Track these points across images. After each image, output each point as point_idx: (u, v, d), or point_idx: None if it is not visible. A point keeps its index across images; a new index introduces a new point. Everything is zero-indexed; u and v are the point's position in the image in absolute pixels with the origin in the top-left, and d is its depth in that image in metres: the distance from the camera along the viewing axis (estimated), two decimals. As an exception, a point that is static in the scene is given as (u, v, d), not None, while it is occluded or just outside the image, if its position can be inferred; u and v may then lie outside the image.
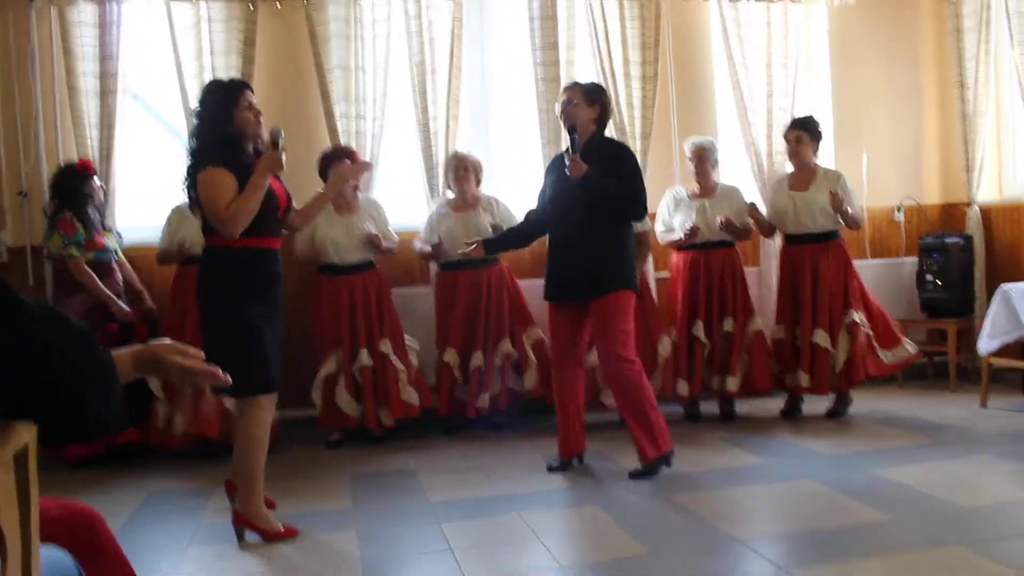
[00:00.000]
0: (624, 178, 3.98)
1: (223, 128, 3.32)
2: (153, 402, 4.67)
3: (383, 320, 4.94)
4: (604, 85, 5.43)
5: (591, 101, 4.07)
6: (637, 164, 4.16)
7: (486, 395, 5.01)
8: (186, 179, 3.38)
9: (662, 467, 4.07)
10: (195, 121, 3.40)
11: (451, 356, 5.01)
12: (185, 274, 4.65)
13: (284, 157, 3.33)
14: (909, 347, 5.16)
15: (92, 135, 4.89)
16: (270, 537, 3.39)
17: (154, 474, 4.51)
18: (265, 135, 3.38)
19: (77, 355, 1.18)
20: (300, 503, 3.87)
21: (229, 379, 1.68)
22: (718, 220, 5.03)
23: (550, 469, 4.21)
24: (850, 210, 4.94)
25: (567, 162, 3.97)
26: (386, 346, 4.88)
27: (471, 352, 5.02)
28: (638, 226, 4.64)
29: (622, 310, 4.01)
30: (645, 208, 4.10)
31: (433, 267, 5.28)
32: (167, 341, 1.60)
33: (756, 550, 3.08)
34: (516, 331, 5.11)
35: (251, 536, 3.41)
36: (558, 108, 4.17)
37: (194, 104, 3.52)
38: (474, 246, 4.36)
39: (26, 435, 1.17)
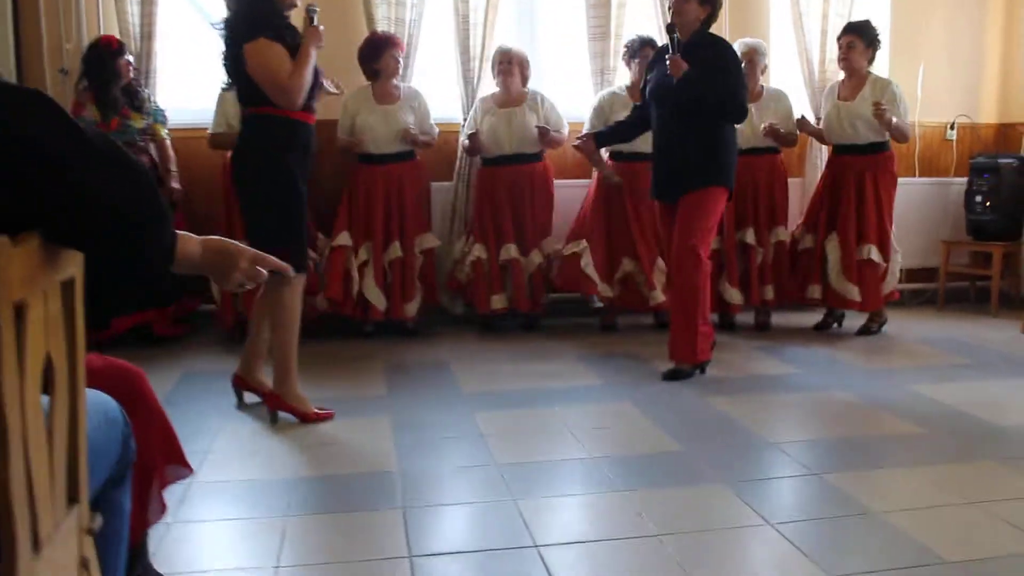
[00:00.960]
0: (724, 77, 3.90)
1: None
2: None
3: (417, 214, 4.89)
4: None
5: (703, 0, 3.96)
6: (739, 62, 4.08)
7: (514, 292, 4.97)
8: (226, 50, 3.30)
9: (695, 372, 4.07)
10: None
11: (480, 251, 4.94)
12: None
13: (322, 31, 3.28)
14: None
15: (133, 11, 4.78)
16: (305, 419, 3.42)
17: (191, 356, 4.56)
18: (300, 4, 3.31)
19: (137, 190, 1.14)
20: (335, 389, 3.90)
21: (290, 269, 1.64)
22: (763, 126, 4.89)
23: (665, 377, 4.08)
24: (894, 120, 4.71)
25: (667, 61, 3.90)
26: (424, 241, 4.87)
27: (504, 245, 4.95)
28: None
29: (707, 207, 3.97)
30: (745, 108, 3.99)
31: (464, 161, 5.19)
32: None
33: (788, 453, 3.06)
34: (542, 233, 5.05)
35: (285, 417, 3.45)
36: (669, 3, 4.08)
37: None
38: (585, 138, 4.36)
39: (74, 266, 1.14)
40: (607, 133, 4.46)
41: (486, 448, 3.12)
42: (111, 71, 4.52)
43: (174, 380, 4.06)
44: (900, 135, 4.81)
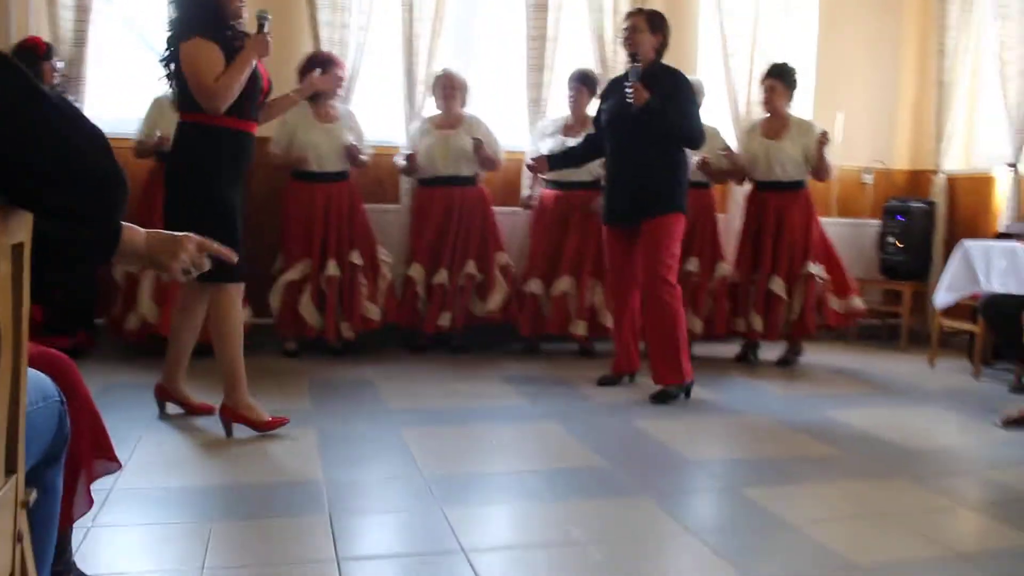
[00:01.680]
0: (683, 106, 4.04)
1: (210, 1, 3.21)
2: (112, 296, 4.62)
3: (354, 231, 4.90)
4: (594, 18, 5.44)
5: (654, 29, 4.10)
6: (693, 92, 4.21)
7: (448, 314, 5.01)
8: (166, 50, 3.28)
9: (680, 395, 4.15)
10: None
11: (416, 271, 4.99)
12: (161, 169, 4.56)
13: (270, 41, 3.26)
14: (858, 302, 5.25)
15: (66, 16, 4.72)
16: (260, 428, 3.36)
17: (109, 369, 4.46)
18: (247, 17, 3.31)
19: (93, 150, 1.15)
20: (260, 403, 3.85)
21: (234, 257, 1.64)
22: (695, 159, 5.06)
23: (600, 382, 4.34)
24: (828, 159, 4.96)
25: (628, 90, 3.99)
26: (356, 257, 4.85)
27: (437, 269, 5.00)
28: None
29: (670, 233, 4.08)
30: (703, 136, 4.17)
31: (406, 183, 5.24)
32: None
33: (708, 469, 3.16)
34: (487, 253, 5.09)
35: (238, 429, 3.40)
36: (622, 35, 4.22)
37: None
38: (537, 161, 4.48)
39: (24, 231, 1.15)
40: (559, 157, 4.56)
41: (412, 460, 3.13)
42: (35, 74, 4.42)
43: (96, 390, 3.95)
44: (826, 171, 5.04)
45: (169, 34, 3.27)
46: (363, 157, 4.89)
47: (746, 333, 5.24)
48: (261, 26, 3.27)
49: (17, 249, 1.13)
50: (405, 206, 5.26)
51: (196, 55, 3.15)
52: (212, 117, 3.21)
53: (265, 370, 4.56)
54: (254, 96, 3.31)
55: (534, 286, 5.09)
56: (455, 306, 5.03)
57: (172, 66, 3.27)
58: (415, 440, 3.37)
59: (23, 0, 4.77)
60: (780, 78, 5.08)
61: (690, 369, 4.16)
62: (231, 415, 3.36)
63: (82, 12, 4.75)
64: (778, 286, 5.07)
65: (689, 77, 5.13)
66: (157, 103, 4.60)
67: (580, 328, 5.04)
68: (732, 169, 5.29)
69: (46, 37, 4.68)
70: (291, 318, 4.83)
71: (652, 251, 4.06)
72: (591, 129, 4.55)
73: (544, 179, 5.08)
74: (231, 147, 3.28)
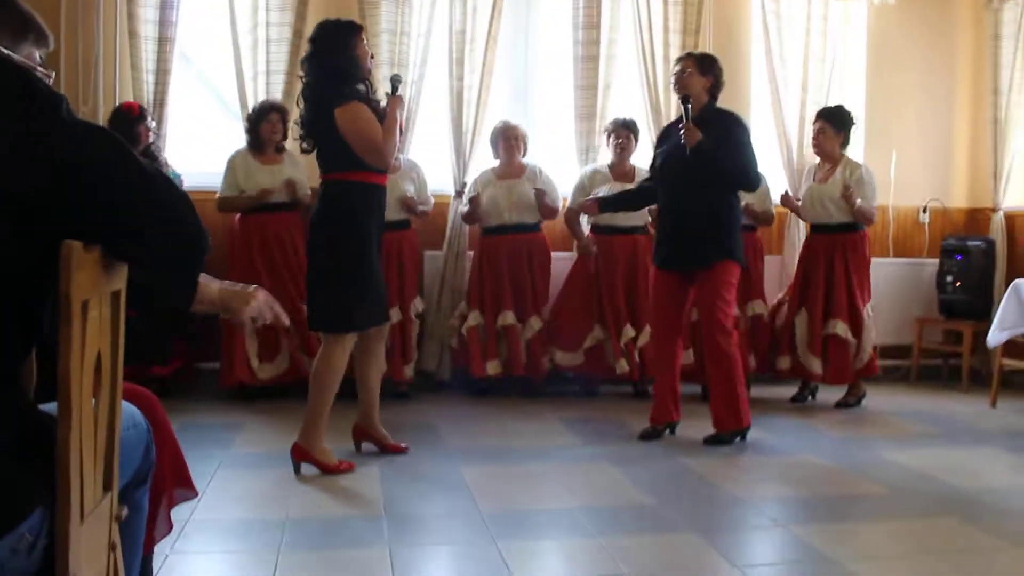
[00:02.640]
0: (736, 147, 4.04)
1: (345, 64, 3.46)
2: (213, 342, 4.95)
3: (413, 280, 5.12)
4: (642, 66, 5.61)
5: (704, 71, 4.14)
6: (748, 135, 4.18)
7: (509, 358, 5.15)
8: (309, 115, 3.51)
9: (736, 439, 4.16)
10: (313, 59, 3.50)
11: (477, 318, 5.14)
12: (253, 222, 4.93)
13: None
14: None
15: (148, 80, 5.08)
16: (327, 470, 3.53)
17: (199, 408, 4.70)
18: (379, 78, 3.62)
19: (183, 211, 1.34)
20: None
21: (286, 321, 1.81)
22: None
23: (642, 436, 4.23)
24: (859, 202, 4.99)
25: (681, 131, 4.04)
26: (418, 306, 5.09)
27: (500, 312, 5.14)
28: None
29: (726, 281, 4.09)
30: (758, 178, 4.16)
31: (456, 228, 5.43)
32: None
33: (756, 507, 3.23)
34: (540, 301, 5.25)
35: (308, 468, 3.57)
36: (672, 78, 4.27)
37: (306, 47, 3.59)
38: (590, 202, 4.54)
39: (121, 280, 1.34)
40: (612, 199, 4.61)
41: (471, 498, 3.26)
42: (131, 135, 4.79)
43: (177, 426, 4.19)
44: (864, 218, 5.08)
45: (308, 100, 3.51)
46: (422, 208, 5.10)
47: (802, 374, 5.25)
48: (395, 87, 3.57)
49: (115, 296, 1.33)
50: (454, 251, 5.44)
51: (359, 119, 3.41)
52: (357, 173, 3.46)
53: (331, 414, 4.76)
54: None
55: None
56: (529, 351, 5.16)
57: (317, 129, 3.50)
58: (473, 477, 3.51)
59: (109, 67, 5.15)
60: (829, 120, 5.16)
61: (748, 415, 4.18)
62: (301, 454, 3.54)
63: (163, 75, 5.11)
64: (840, 328, 5.08)
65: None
66: (241, 158, 4.96)
67: (623, 366, 5.14)
68: (786, 207, 5.40)
69: (131, 99, 5.04)
70: None
71: (709, 299, 4.08)
72: (640, 177, 4.69)
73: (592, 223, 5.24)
74: (374, 199, 3.54)
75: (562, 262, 5.44)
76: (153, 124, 4.95)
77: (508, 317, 5.13)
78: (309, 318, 3.62)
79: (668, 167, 4.21)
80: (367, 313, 3.55)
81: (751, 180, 4.14)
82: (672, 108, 5.67)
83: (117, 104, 5.00)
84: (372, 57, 3.61)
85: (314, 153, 3.59)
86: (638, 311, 5.19)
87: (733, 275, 4.13)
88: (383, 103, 3.58)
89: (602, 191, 4.94)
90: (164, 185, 1.32)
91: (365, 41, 3.56)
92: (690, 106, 4.08)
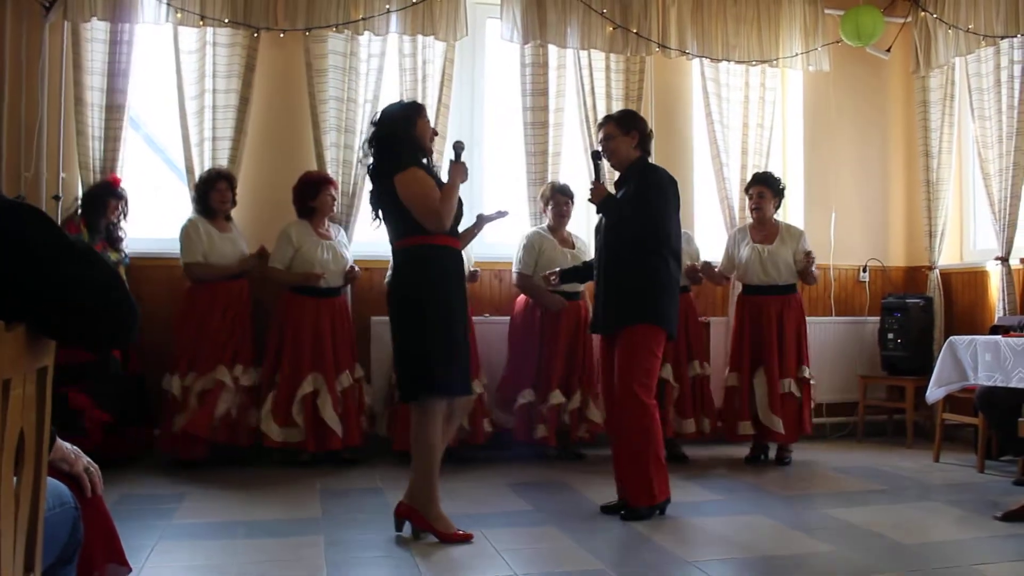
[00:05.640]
0: (641, 207, 3.86)
1: (410, 136, 3.58)
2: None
3: (353, 345, 5.19)
4: (586, 133, 5.72)
5: (626, 130, 4.03)
6: (658, 189, 3.92)
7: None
8: (375, 188, 3.61)
9: (655, 512, 3.95)
10: (378, 132, 3.62)
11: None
12: (209, 289, 4.93)
13: (467, 167, 3.64)
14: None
15: (95, 147, 5.06)
16: (446, 539, 3.51)
17: (127, 479, 4.59)
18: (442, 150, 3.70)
19: (112, 287, 1.34)
20: (269, 511, 3.99)
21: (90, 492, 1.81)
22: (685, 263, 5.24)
23: (604, 510, 4.04)
24: (814, 269, 5.22)
25: (590, 188, 4.01)
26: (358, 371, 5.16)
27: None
28: None
29: (644, 345, 3.86)
30: (663, 239, 3.89)
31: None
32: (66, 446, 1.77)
33: (703, 569, 3.23)
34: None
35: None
36: (598, 145, 4.16)
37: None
38: (553, 275, 4.46)
39: (48, 357, 1.33)
40: (572, 270, 4.56)
41: (416, 568, 3.22)
42: (100, 203, 4.86)
43: (111, 499, 4.09)
44: (812, 279, 5.30)
45: (374, 176, 3.60)
46: (353, 274, 5.18)
47: (766, 436, 5.28)
48: (458, 154, 3.63)
49: (42, 373, 1.32)
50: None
51: (417, 183, 3.49)
52: (429, 239, 3.51)
53: (274, 479, 4.69)
54: (458, 216, 3.64)
55: (527, 396, 5.23)
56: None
57: (383, 199, 3.59)
58: (419, 546, 3.47)
59: (53, 133, 5.13)
60: (767, 184, 5.33)
61: (666, 487, 3.95)
62: (422, 522, 3.55)
63: (112, 142, 5.10)
64: (793, 387, 5.20)
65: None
66: (201, 225, 4.95)
67: (541, 431, 5.16)
68: (709, 279, 5.54)
69: (75, 166, 5.03)
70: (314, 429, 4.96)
71: (624, 363, 3.86)
72: (577, 241, 4.77)
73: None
74: (448, 263, 3.58)
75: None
76: (124, 207, 4.98)
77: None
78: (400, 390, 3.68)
79: (598, 229, 4.16)
80: (454, 377, 3.56)
81: (647, 239, 3.88)
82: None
83: (60, 170, 5.01)
84: (436, 134, 3.76)
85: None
86: (572, 377, 5.24)
87: (653, 340, 3.89)
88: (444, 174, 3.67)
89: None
90: (93, 261, 1.32)
91: (426, 119, 3.68)
92: (600, 163, 4.07)
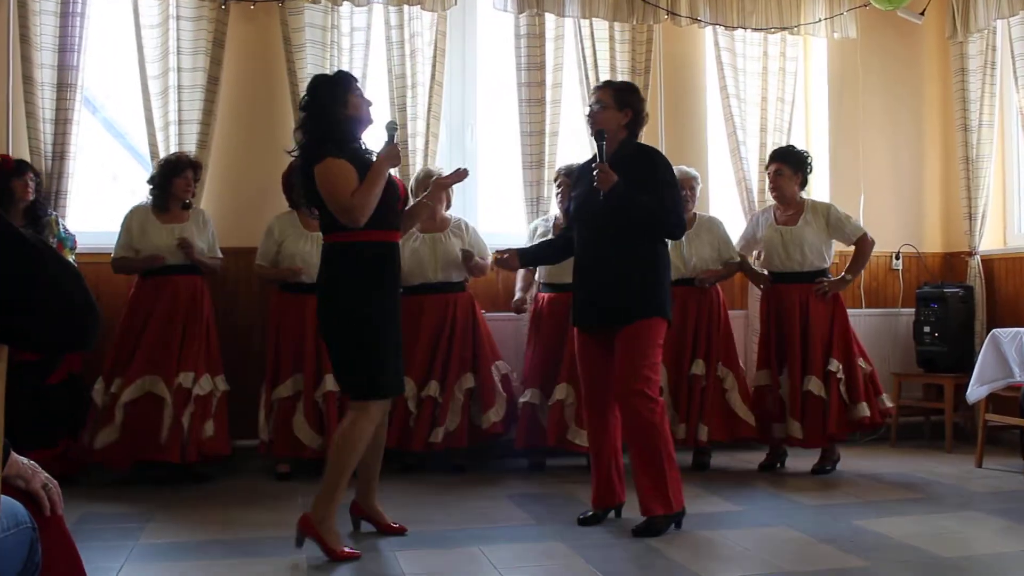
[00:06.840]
0: (657, 189, 3.90)
1: (337, 118, 3.56)
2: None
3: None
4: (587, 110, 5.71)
5: (621, 104, 3.98)
6: (673, 174, 4.08)
7: (440, 429, 5.08)
8: (302, 177, 3.60)
9: (671, 526, 3.93)
10: (304, 115, 3.62)
11: (408, 387, 5.00)
12: (153, 284, 4.87)
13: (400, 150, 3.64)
14: (887, 401, 5.32)
15: (45, 129, 5.06)
16: (332, 555, 3.51)
17: (89, 498, 4.60)
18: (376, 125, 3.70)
19: (68, 284, 1.35)
20: (249, 529, 4.00)
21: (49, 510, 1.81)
22: (696, 280, 5.26)
23: (581, 522, 4.06)
24: (847, 276, 5.25)
25: (595, 172, 3.86)
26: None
27: (427, 382, 5.11)
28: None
29: (651, 340, 3.90)
30: (681, 223, 4.02)
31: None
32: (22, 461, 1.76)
33: (724, 587, 3.24)
34: (482, 363, 5.22)
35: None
36: (586, 112, 4.15)
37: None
38: (509, 255, 4.21)
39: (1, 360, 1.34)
40: (532, 252, 4.48)
41: (408, 586, 3.24)
42: (3, 191, 4.72)
43: (72, 519, 4.10)
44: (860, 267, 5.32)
45: (302, 162, 3.60)
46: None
47: (782, 441, 5.28)
48: (391, 137, 3.62)
49: (-8, 379, 1.32)
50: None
51: (330, 174, 3.48)
52: (354, 234, 3.51)
53: (253, 492, 4.70)
54: (393, 205, 3.63)
55: (532, 396, 5.21)
56: (452, 422, 5.11)
57: (306, 192, 3.61)
58: (412, 565, 3.48)
59: (1, 115, 5.12)
60: (784, 161, 5.23)
61: (681, 497, 3.94)
62: (308, 529, 3.53)
63: (63, 125, 5.09)
64: (815, 385, 5.11)
65: (684, 168, 5.32)
66: (138, 215, 4.92)
67: (580, 438, 5.04)
68: (751, 278, 5.52)
69: (26, 151, 5.01)
70: (287, 439, 4.96)
71: (628, 361, 3.86)
72: None
73: (541, 282, 5.28)
74: (379, 259, 3.59)
75: (501, 323, 5.49)
76: (35, 179, 4.86)
77: (433, 388, 5.11)
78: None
79: (582, 213, 4.05)
80: (390, 378, 3.64)
81: (671, 225, 3.98)
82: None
83: (10, 154, 4.96)
84: (371, 104, 3.71)
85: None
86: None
87: (660, 334, 3.95)
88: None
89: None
90: (48, 258, 1.33)
91: (357, 92, 3.64)
92: (604, 144, 3.92)
